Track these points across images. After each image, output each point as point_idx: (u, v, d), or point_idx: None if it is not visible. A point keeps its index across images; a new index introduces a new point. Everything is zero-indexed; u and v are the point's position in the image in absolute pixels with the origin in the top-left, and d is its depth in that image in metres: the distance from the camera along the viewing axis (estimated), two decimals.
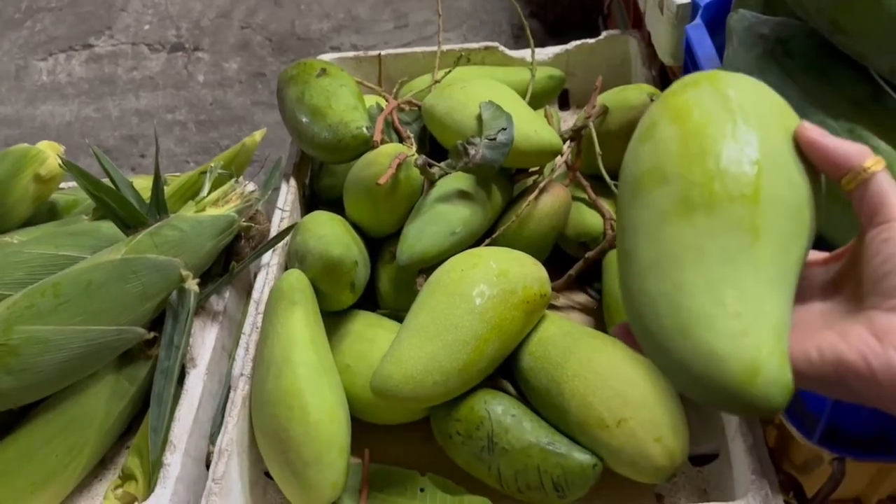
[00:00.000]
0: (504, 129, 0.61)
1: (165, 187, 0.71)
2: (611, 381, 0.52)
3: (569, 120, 0.85)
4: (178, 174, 0.74)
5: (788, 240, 0.30)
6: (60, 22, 1.52)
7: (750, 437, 0.49)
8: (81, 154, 1.23)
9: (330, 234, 0.60)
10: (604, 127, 0.68)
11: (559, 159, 0.67)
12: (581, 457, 0.52)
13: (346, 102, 0.68)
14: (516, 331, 0.56)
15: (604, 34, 0.83)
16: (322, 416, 0.53)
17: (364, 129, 0.66)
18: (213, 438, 0.61)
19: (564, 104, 0.88)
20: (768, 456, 0.50)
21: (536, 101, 0.78)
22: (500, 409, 0.54)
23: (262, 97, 1.34)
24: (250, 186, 0.69)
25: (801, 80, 0.45)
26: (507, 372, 0.59)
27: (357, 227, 0.66)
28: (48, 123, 1.38)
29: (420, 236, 0.61)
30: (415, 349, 0.53)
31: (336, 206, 0.69)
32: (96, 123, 1.36)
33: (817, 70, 0.45)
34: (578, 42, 0.84)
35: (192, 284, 0.61)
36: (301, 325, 0.56)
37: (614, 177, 0.64)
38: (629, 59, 0.83)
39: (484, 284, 0.56)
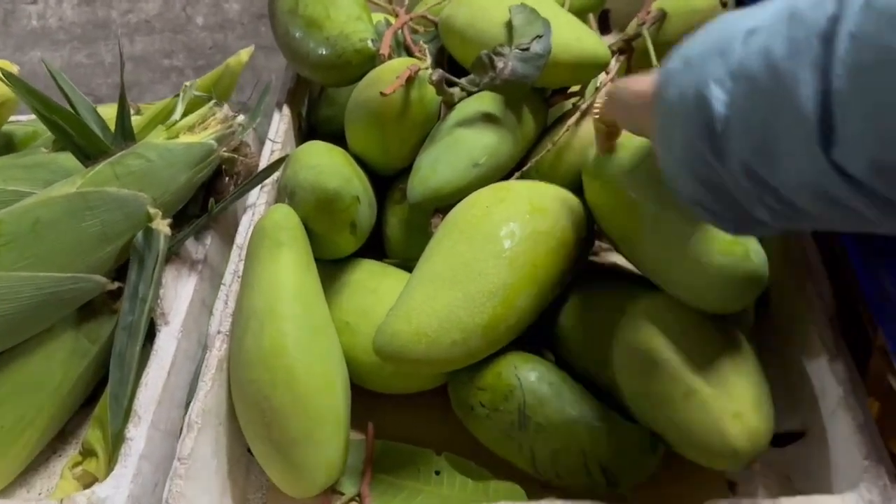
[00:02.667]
0: (539, 36, 0.50)
1: (138, 117, 0.61)
2: (676, 344, 0.42)
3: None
4: (152, 103, 0.63)
5: None
6: None
7: (860, 413, 0.39)
8: None
9: (326, 163, 0.50)
10: (661, 36, 0.56)
11: (604, 77, 0.55)
12: (638, 436, 0.41)
13: (347, 12, 0.57)
14: (554, 281, 0.46)
15: None
16: (313, 382, 0.43)
17: (369, 43, 0.55)
18: (189, 408, 0.51)
19: (605, 28, 0.77)
20: (880, 436, 0.39)
21: None
22: (533, 377, 0.44)
23: (266, 41, 1.22)
24: (238, 116, 0.59)
25: None
26: (541, 331, 0.49)
27: (361, 162, 0.55)
28: (37, 71, 1.27)
29: (436, 167, 0.50)
30: (428, 301, 0.43)
31: (337, 140, 0.58)
32: (88, 70, 1.27)
33: None
34: None
35: (162, 225, 0.51)
36: (288, 271, 0.46)
37: None
38: None
39: (514, 223, 0.45)
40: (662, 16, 0.55)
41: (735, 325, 0.44)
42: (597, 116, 0.43)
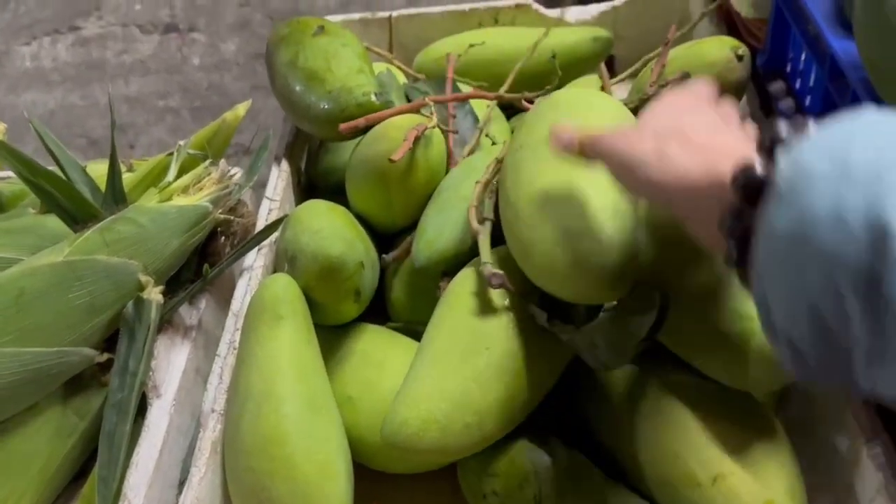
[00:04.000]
0: None
1: (130, 174, 0.58)
2: (703, 424, 0.39)
3: (615, 93, 0.72)
4: (146, 158, 0.61)
5: None
6: (45, 3, 1.40)
7: None
8: (68, 147, 1.12)
9: (328, 227, 0.47)
10: None
11: None
12: None
13: (348, 65, 0.55)
14: (571, 351, 0.43)
15: None
16: (314, 470, 0.40)
17: (371, 97, 0.53)
18: (182, 488, 0.48)
19: (610, 72, 0.74)
20: None
21: (577, 69, 0.65)
22: (549, 462, 0.41)
23: (263, 81, 1.20)
24: (232, 171, 0.56)
25: None
26: (554, 404, 0.46)
27: (363, 220, 0.53)
28: (30, 113, 1.26)
29: (442, 229, 0.48)
30: (436, 383, 0.40)
31: (338, 195, 0.56)
32: (82, 112, 1.25)
33: None
34: None
35: (154, 293, 0.48)
36: (288, 349, 0.43)
37: None
38: (689, 17, 0.69)
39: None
40: (686, 76, 0.52)
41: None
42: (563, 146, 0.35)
